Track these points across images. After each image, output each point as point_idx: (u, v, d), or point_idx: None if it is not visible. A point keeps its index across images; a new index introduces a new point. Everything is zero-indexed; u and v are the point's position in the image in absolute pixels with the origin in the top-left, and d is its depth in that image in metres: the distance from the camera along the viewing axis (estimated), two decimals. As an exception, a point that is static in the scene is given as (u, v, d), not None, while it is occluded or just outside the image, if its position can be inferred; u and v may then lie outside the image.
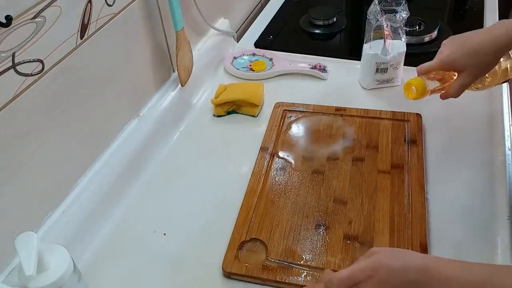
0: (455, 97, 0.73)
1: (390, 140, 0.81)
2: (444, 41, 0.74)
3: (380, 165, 0.77)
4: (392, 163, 0.77)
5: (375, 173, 0.76)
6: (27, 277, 0.49)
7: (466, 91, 0.74)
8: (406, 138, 0.81)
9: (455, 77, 0.74)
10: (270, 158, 0.80)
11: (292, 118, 0.89)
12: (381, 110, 0.87)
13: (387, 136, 0.82)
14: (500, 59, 0.70)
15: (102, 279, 0.66)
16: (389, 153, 0.79)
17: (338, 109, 0.89)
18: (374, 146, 0.81)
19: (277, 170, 0.78)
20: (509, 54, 0.76)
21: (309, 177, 0.77)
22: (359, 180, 0.75)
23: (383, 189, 0.73)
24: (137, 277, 0.66)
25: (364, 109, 0.88)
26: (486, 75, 0.75)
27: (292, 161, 0.80)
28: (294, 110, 0.90)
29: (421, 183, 0.73)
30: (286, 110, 0.90)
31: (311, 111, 0.90)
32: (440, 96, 0.76)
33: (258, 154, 0.81)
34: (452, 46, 0.71)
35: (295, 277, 0.62)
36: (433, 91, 0.76)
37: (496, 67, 0.73)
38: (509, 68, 0.77)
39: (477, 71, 0.70)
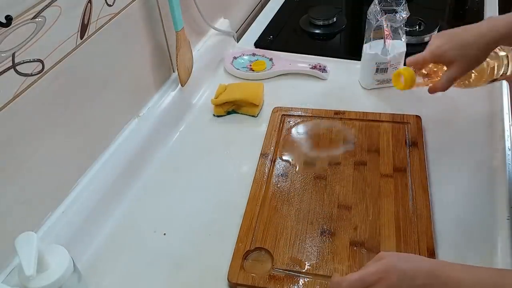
0: (443, 90, 0.73)
1: (391, 143, 0.81)
2: (434, 35, 0.75)
3: (382, 169, 0.77)
4: (394, 166, 0.77)
5: (378, 177, 0.75)
6: (27, 277, 0.49)
7: (455, 88, 0.74)
8: (407, 141, 0.81)
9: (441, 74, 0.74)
10: (270, 164, 0.80)
11: (291, 123, 0.88)
12: (380, 113, 0.87)
13: (388, 139, 0.82)
14: (488, 54, 0.71)
15: (102, 279, 0.66)
16: (390, 157, 0.78)
17: (337, 112, 0.88)
18: (375, 149, 0.80)
19: (278, 177, 0.78)
20: (497, 53, 0.76)
21: (311, 183, 0.76)
22: (362, 184, 0.75)
23: (387, 193, 0.73)
24: (137, 277, 0.66)
25: (363, 112, 0.88)
26: (474, 71, 0.75)
27: (293, 167, 0.79)
28: (293, 115, 0.90)
29: (424, 186, 0.73)
30: (284, 115, 0.90)
31: (310, 115, 0.89)
32: (429, 90, 0.75)
33: (259, 160, 0.80)
34: (442, 39, 0.72)
35: (303, 286, 0.62)
36: (421, 84, 0.76)
37: (484, 64, 0.74)
38: (496, 67, 0.77)
39: (465, 64, 0.70)
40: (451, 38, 0.71)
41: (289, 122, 0.88)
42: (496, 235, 0.66)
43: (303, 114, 0.90)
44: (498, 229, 0.67)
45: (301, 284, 0.62)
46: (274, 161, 0.80)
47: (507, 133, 0.81)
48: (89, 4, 0.65)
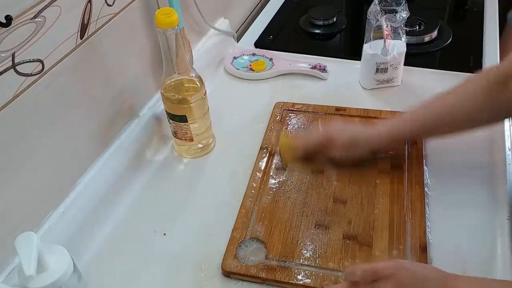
0: None
1: None
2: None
3: (379, 165, 0.77)
4: (392, 163, 0.77)
5: (375, 173, 0.76)
6: (27, 277, 0.49)
7: None
8: None
9: None
10: (269, 158, 0.80)
11: (292, 118, 0.89)
12: (381, 110, 0.87)
13: None
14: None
15: (102, 279, 0.66)
16: (388, 153, 0.79)
17: (338, 109, 0.89)
18: None
19: (276, 170, 0.78)
20: None
21: (308, 177, 0.77)
22: (359, 180, 0.75)
23: (382, 189, 0.73)
24: (137, 277, 0.66)
25: (364, 109, 0.88)
26: None
27: None
28: (294, 110, 0.90)
29: (420, 183, 0.73)
30: (286, 109, 0.91)
31: (311, 111, 0.90)
32: None
33: (258, 154, 0.81)
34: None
35: (294, 277, 0.62)
36: None
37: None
38: None
39: None
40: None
41: (290, 116, 0.89)
42: (496, 235, 0.66)
43: (304, 109, 0.90)
44: (498, 229, 0.67)
45: (293, 274, 0.63)
46: (273, 155, 0.81)
47: (507, 133, 0.81)
48: (89, 4, 0.65)
